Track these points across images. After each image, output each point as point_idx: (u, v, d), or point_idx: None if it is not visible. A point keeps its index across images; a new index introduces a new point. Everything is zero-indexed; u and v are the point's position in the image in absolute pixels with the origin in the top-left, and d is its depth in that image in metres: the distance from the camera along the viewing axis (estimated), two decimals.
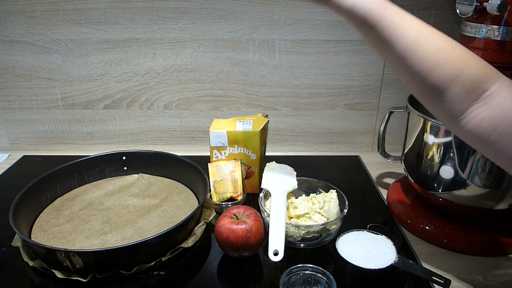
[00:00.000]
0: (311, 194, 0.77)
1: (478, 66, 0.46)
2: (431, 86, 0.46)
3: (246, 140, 0.82)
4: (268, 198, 0.75)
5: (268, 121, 0.84)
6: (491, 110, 0.44)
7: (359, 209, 0.82)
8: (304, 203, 0.72)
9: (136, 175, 0.89)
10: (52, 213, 0.77)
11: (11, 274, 0.65)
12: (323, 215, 0.71)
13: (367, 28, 0.48)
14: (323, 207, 0.72)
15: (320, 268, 0.60)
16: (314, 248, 0.70)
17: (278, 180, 0.74)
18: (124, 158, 0.89)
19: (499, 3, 0.60)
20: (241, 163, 0.83)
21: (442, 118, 0.49)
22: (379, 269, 0.59)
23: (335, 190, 0.75)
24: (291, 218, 0.71)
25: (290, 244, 0.70)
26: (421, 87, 0.48)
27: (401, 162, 0.88)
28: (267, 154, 0.90)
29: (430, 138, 0.73)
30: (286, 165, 0.78)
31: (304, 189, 0.79)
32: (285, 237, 0.64)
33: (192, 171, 0.82)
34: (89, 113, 1.04)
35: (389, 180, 0.95)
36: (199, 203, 0.74)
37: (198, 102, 1.03)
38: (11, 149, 1.09)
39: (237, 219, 0.66)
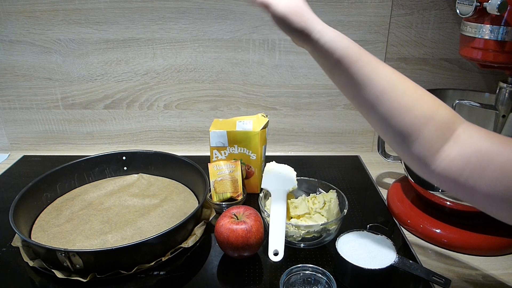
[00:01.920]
0: (311, 194, 0.77)
1: (448, 108, 0.47)
2: (407, 127, 0.46)
3: (246, 140, 0.82)
4: (268, 198, 0.75)
5: (268, 121, 0.84)
6: (461, 147, 0.44)
7: (359, 209, 0.82)
8: (304, 203, 0.72)
9: (136, 175, 0.89)
10: (52, 213, 0.77)
11: (11, 274, 0.65)
12: (323, 215, 0.71)
13: (344, 67, 0.49)
14: (323, 207, 0.72)
15: (320, 268, 0.60)
16: (314, 248, 0.70)
17: (278, 180, 0.74)
18: (124, 158, 0.89)
19: (499, 3, 0.60)
20: (241, 163, 0.83)
21: (412, 163, 0.48)
22: (379, 269, 0.59)
23: (335, 190, 0.75)
24: (291, 218, 0.71)
25: (290, 244, 0.70)
26: (395, 130, 0.47)
27: (401, 162, 0.89)
28: (267, 154, 0.90)
29: None
30: (286, 165, 0.78)
31: (304, 189, 0.79)
32: (285, 237, 0.64)
33: (192, 171, 0.82)
34: (89, 113, 1.04)
35: (389, 180, 0.95)
36: (199, 203, 0.74)
37: (198, 102, 1.03)
38: (11, 149, 1.09)
39: (237, 219, 0.66)
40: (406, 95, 0.47)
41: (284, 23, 0.51)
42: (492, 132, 0.45)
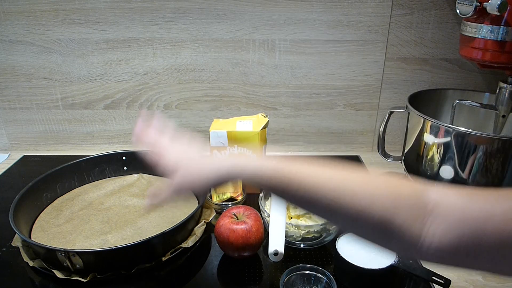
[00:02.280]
0: None
1: (410, 185, 0.42)
2: (374, 230, 0.42)
3: (246, 140, 0.82)
4: (268, 198, 0.75)
5: (268, 121, 0.84)
6: (445, 222, 0.39)
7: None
8: None
9: (136, 175, 0.89)
10: (52, 213, 0.77)
11: (11, 274, 0.65)
12: None
13: (279, 191, 0.45)
14: None
15: (320, 268, 0.60)
16: (314, 248, 0.70)
17: None
18: (124, 158, 0.89)
19: (499, 3, 0.61)
20: None
21: (403, 251, 0.44)
22: (379, 269, 0.59)
23: None
24: (291, 218, 0.71)
25: (290, 244, 0.70)
26: (365, 235, 0.44)
27: (401, 162, 0.89)
28: (267, 154, 0.90)
29: (430, 138, 0.73)
30: None
31: None
32: (285, 237, 0.64)
33: None
34: (89, 113, 1.04)
35: None
36: (199, 203, 0.74)
37: (198, 102, 1.03)
38: (11, 149, 1.09)
39: (237, 219, 0.66)
40: (356, 200, 0.42)
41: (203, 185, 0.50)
42: (467, 191, 0.41)
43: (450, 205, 0.39)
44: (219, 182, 0.49)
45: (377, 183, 0.43)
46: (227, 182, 0.49)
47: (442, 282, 0.59)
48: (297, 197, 0.44)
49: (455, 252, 0.39)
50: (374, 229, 0.42)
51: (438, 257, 0.40)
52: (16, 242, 0.67)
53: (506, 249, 0.36)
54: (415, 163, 0.79)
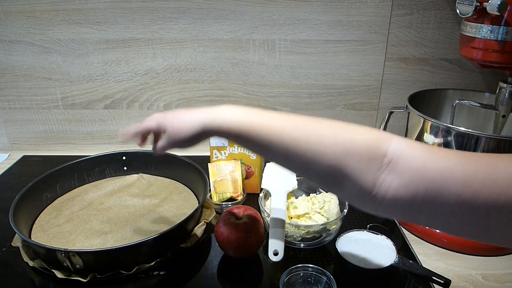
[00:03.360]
0: (311, 194, 0.77)
1: (367, 132, 0.42)
2: (328, 172, 0.42)
3: None
4: (268, 198, 0.75)
5: None
6: (401, 176, 0.38)
7: (359, 209, 0.82)
8: (304, 203, 0.72)
9: (136, 175, 0.89)
10: (52, 213, 0.77)
11: (11, 274, 0.65)
12: (323, 215, 0.71)
13: (243, 139, 0.47)
14: (323, 207, 0.72)
15: (320, 268, 0.60)
16: (314, 248, 0.70)
17: (278, 180, 0.74)
18: (124, 158, 0.89)
19: (499, 3, 0.60)
20: (241, 163, 0.83)
21: (356, 199, 0.43)
22: (379, 269, 0.59)
23: None
24: (291, 218, 0.71)
25: (290, 244, 0.70)
26: (319, 177, 0.44)
27: None
28: None
29: (430, 138, 0.73)
30: None
31: (304, 189, 0.79)
32: (285, 237, 0.64)
33: (192, 171, 0.82)
34: (89, 113, 1.04)
35: None
36: (199, 203, 0.73)
37: (198, 102, 1.03)
38: (11, 149, 1.09)
39: (237, 219, 0.66)
40: (309, 146, 0.42)
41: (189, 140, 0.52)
42: (430, 147, 0.40)
43: (409, 160, 0.39)
44: (201, 132, 0.51)
45: (333, 129, 0.43)
46: (207, 132, 0.50)
47: (442, 282, 0.59)
48: (256, 145, 0.46)
49: (409, 207, 0.38)
50: (327, 175, 0.42)
51: (391, 209, 0.40)
52: (16, 242, 0.67)
53: (461, 213, 0.35)
54: None
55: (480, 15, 0.65)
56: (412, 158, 0.39)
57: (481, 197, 0.34)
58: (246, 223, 0.64)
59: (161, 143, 0.55)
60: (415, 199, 0.38)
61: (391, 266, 0.59)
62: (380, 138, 0.41)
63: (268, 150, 0.45)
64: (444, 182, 0.36)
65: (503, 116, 0.76)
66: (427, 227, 0.39)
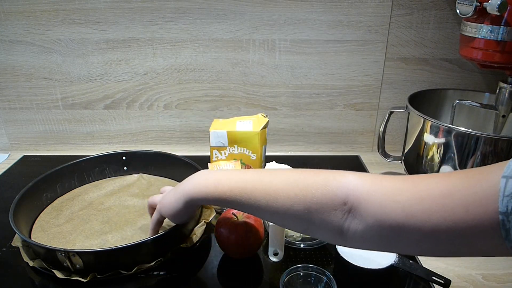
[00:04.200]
0: None
1: (322, 185, 0.44)
2: (301, 221, 0.45)
3: (246, 140, 0.82)
4: None
5: (268, 121, 0.84)
6: (364, 222, 0.41)
7: None
8: None
9: (136, 175, 0.89)
10: (52, 213, 0.77)
11: (11, 274, 0.65)
12: None
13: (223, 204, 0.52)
14: None
15: (320, 268, 0.60)
16: (314, 248, 0.70)
17: None
18: (124, 158, 0.89)
19: (499, 3, 0.61)
20: (241, 163, 0.83)
21: (331, 241, 0.49)
22: (379, 269, 0.59)
23: None
24: None
25: (290, 244, 0.70)
26: (295, 225, 0.48)
27: (401, 162, 0.89)
28: (267, 154, 0.90)
29: (430, 138, 0.73)
30: (286, 165, 0.78)
31: None
32: (285, 237, 0.64)
33: (192, 171, 0.81)
34: (89, 113, 1.04)
35: None
36: None
37: (198, 102, 1.03)
38: (11, 149, 1.09)
39: (237, 219, 0.66)
40: (275, 202, 0.46)
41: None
42: (381, 181, 0.41)
43: (368, 206, 0.40)
44: (186, 204, 0.56)
45: (291, 187, 0.46)
46: (192, 204, 0.56)
47: (442, 282, 0.59)
48: (240, 205, 0.50)
49: (378, 242, 0.42)
50: (301, 225, 0.46)
51: (364, 245, 0.44)
52: (16, 242, 0.67)
53: (427, 242, 0.38)
54: (415, 163, 0.79)
55: (480, 15, 0.65)
56: (370, 204, 0.40)
57: (441, 227, 0.36)
58: (246, 223, 0.64)
59: (153, 216, 0.63)
60: (381, 237, 0.40)
61: (391, 266, 0.59)
62: (336, 186, 0.43)
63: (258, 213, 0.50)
64: (405, 222, 0.38)
65: (503, 116, 0.76)
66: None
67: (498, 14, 0.62)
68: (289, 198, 0.45)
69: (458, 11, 0.68)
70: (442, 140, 0.71)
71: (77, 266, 0.60)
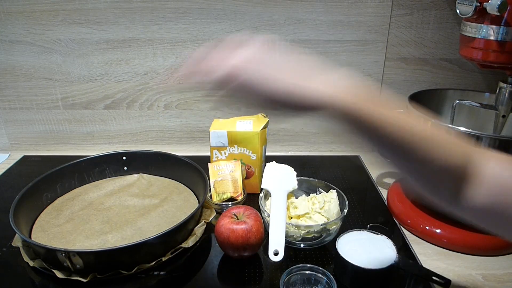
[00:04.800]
0: (311, 194, 0.77)
1: (461, 149, 0.45)
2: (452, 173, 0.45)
3: (246, 140, 0.82)
4: (268, 198, 0.75)
5: (268, 121, 0.84)
6: (487, 188, 0.43)
7: (359, 209, 0.82)
8: (304, 203, 0.72)
9: (136, 175, 0.89)
10: (52, 213, 0.77)
11: (11, 274, 0.65)
12: (323, 215, 0.71)
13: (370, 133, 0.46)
14: (323, 207, 0.72)
15: (320, 268, 0.60)
16: (314, 248, 0.70)
17: (278, 180, 0.74)
18: (124, 158, 0.89)
19: (499, 3, 0.61)
20: (241, 163, 0.83)
21: (447, 201, 0.48)
22: (379, 269, 0.59)
23: (335, 190, 0.75)
24: (291, 218, 0.71)
25: (290, 244, 0.70)
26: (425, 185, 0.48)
27: None
28: (267, 154, 0.90)
29: None
30: (286, 165, 0.78)
31: (304, 189, 0.79)
32: (285, 237, 0.64)
33: (192, 171, 0.82)
34: (89, 113, 1.04)
35: (389, 180, 0.95)
36: (199, 203, 0.74)
37: (198, 102, 1.03)
38: (11, 149, 1.09)
39: (237, 219, 0.66)
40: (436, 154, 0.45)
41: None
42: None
43: (493, 179, 0.43)
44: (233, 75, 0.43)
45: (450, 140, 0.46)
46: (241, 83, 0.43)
47: (442, 282, 0.59)
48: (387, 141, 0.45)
49: (490, 210, 0.44)
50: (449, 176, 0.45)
51: (473, 214, 0.46)
52: (17, 242, 0.67)
53: None
54: None
55: (480, 15, 0.65)
56: (498, 173, 0.44)
57: None
58: (246, 223, 0.64)
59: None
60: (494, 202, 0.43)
61: (391, 266, 0.59)
62: (471, 160, 0.45)
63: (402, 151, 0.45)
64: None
65: (503, 116, 0.76)
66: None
67: (498, 14, 0.62)
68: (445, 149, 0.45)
69: (458, 11, 0.68)
70: None
71: (77, 266, 0.60)
